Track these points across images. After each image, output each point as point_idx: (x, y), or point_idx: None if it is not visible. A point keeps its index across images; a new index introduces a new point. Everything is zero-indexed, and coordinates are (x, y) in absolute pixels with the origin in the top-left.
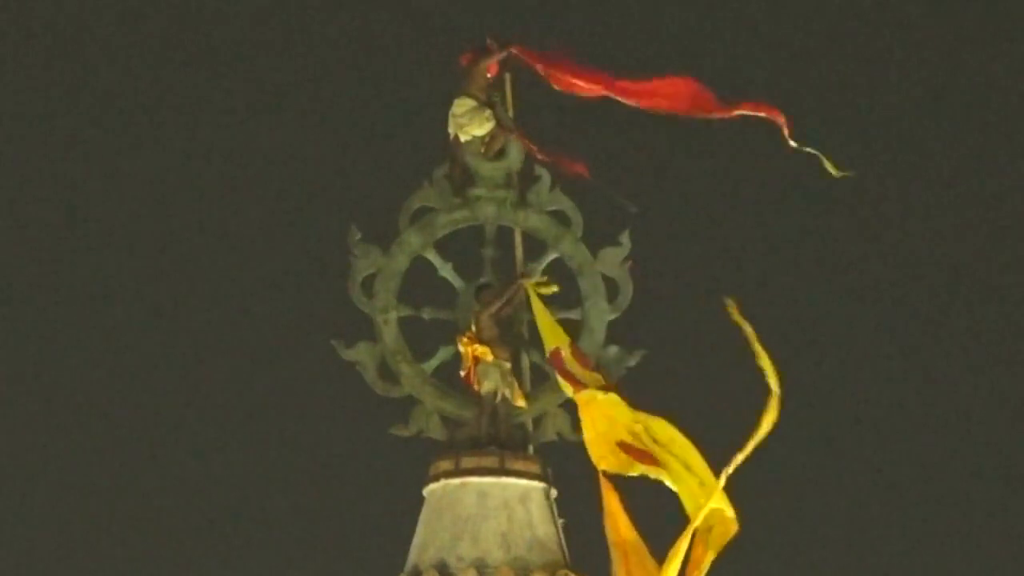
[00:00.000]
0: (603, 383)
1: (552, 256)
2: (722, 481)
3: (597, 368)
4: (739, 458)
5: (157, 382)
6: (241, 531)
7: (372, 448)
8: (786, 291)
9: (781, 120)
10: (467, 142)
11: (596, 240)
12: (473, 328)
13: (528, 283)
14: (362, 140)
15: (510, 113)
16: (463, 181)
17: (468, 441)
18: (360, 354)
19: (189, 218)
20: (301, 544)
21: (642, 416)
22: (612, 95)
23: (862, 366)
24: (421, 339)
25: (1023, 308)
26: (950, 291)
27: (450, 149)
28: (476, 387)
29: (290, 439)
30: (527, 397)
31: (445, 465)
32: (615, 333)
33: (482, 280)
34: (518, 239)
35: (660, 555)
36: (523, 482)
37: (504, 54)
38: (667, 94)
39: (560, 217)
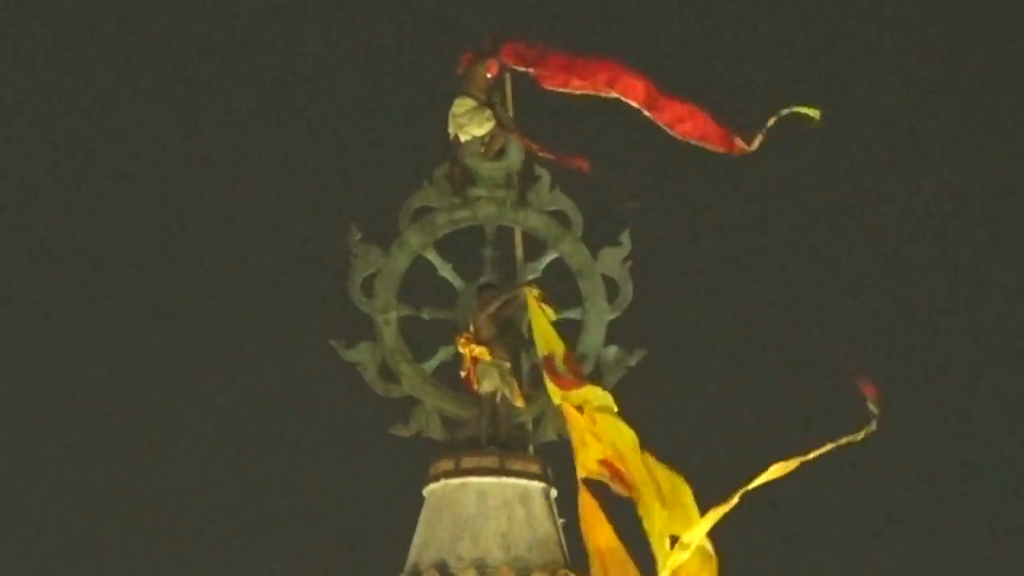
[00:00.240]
0: (599, 395)
1: (552, 256)
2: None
3: (593, 378)
4: (704, 526)
5: (157, 382)
6: (241, 531)
7: (372, 448)
8: (786, 291)
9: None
10: (467, 142)
11: (596, 240)
12: (471, 328)
13: (530, 292)
14: (362, 140)
15: (510, 113)
16: (463, 181)
17: (468, 441)
18: (360, 354)
19: (189, 218)
20: (301, 544)
21: (639, 454)
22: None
23: (862, 366)
24: (421, 339)
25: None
26: (951, 291)
27: (450, 149)
28: (476, 387)
29: (290, 439)
30: (527, 397)
31: (445, 465)
32: (615, 333)
33: (484, 280)
34: (518, 239)
35: (641, 563)
36: (523, 482)
37: (496, 57)
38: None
39: (560, 217)
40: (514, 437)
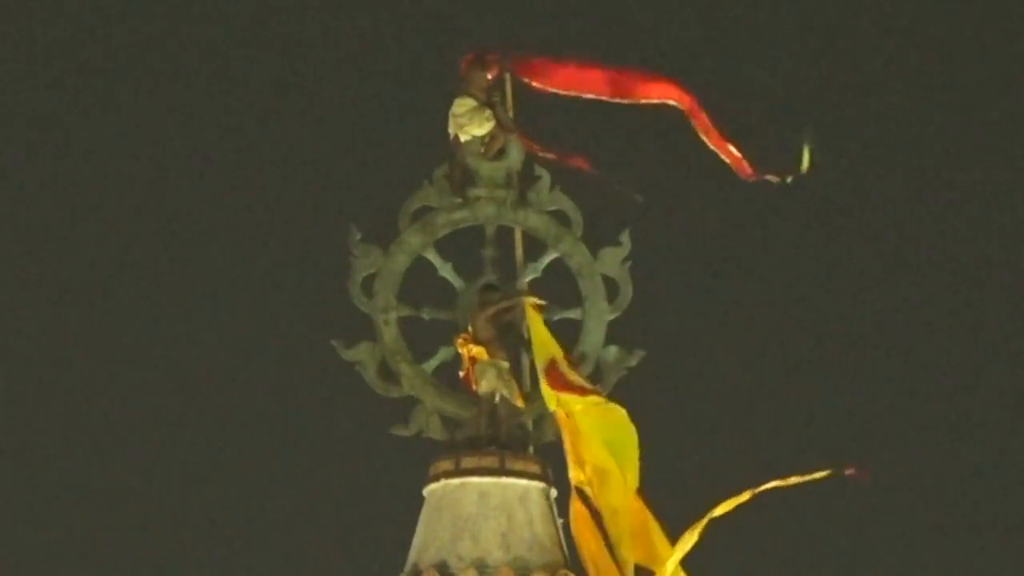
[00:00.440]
0: (600, 402)
1: (552, 256)
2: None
3: (594, 385)
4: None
5: (157, 382)
6: (241, 531)
7: (372, 448)
8: (786, 291)
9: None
10: (467, 142)
11: (596, 240)
12: (470, 328)
13: (529, 301)
14: (362, 140)
15: (510, 113)
16: (463, 181)
17: (468, 441)
18: (360, 354)
19: (189, 218)
20: (301, 544)
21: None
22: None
23: (862, 365)
24: (421, 339)
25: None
26: (951, 290)
27: (450, 149)
28: (474, 387)
29: (290, 439)
30: (526, 397)
31: (445, 465)
32: (615, 333)
33: (486, 280)
34: (518, 239)
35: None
36: (523, 482)
37: (501, 68)
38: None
39: (560, 217)
40: (514, 437)
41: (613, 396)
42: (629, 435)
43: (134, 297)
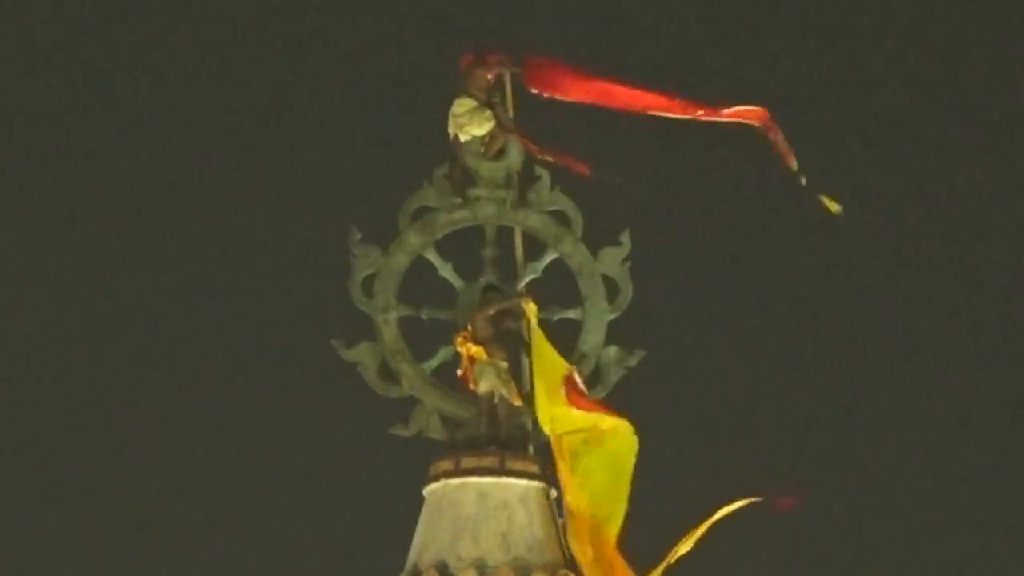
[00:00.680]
0: (612, 427)
1: (552, 256)
2: None
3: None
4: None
5: (157, 382)
6: (241, 531)
7: (372, 448)
8: (786, 291)
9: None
10: (467, 142)
11: (596, 240)
12: (469, 328)
13: (529, 308)
14: (362, 140)
15: (510, 113)
16: (463, 181)
17: (468, 441)
18: (360, 354)
19: (189, 218)
20: (301, 544)
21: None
22: (603, 103)
23: (862, 365)
24: (421, 339)
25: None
26: (951, 290)
27: (450, 149)
28: (473, 387)
29: (290, 439)
30: (525, 398)
31: (445, 465)
32: (615, 333)
33: (488, 280)
34: (518, 239)
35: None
36: (523, 482)
37: (504, 68)
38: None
39: (560, 217)
40: (514, 437)
41: (616, 401)
42: (625, 468)
43: (134, 297)
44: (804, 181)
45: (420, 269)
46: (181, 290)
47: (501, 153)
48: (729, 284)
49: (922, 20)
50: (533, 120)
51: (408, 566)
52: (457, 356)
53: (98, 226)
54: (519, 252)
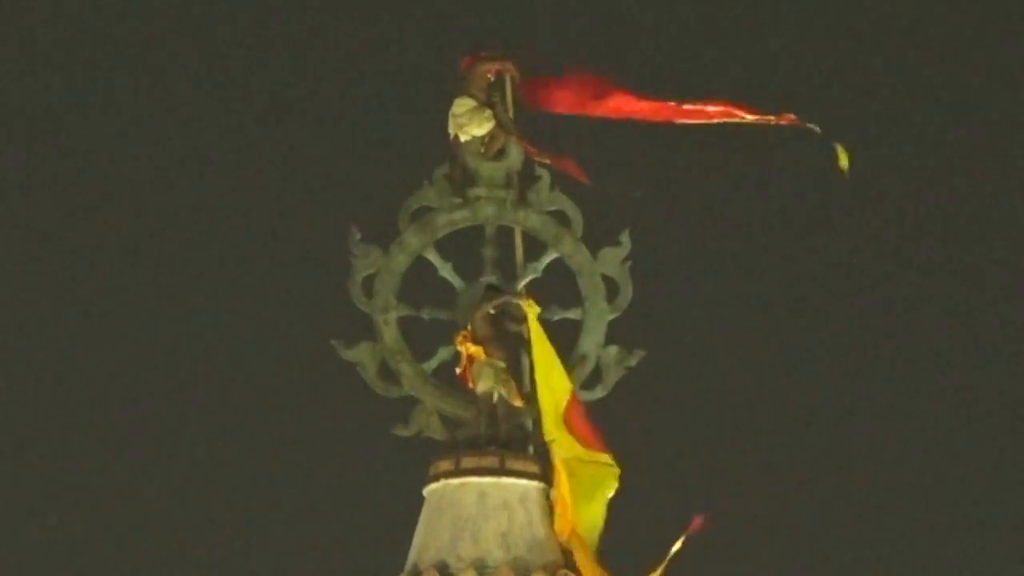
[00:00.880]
0: (603, 464)
1: (552, 256)
2: None
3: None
4: None
5: (157, 382)
6: (241, 531)
7: (372, 448)
8: (786, 291)
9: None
10: (467, 142)
11: (596, 240)
12: (468, 327)
13: (530, 309)
14: (362, 140)
15: (510, 113)
16: (463, 181)
17: (468, 441)
18: (360, 354)
19: (189, 218)
20: (301, 544)
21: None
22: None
23: (862, 365)
24: (421, 339)
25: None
26: (951, 290)
27: (450, 149)
28: (471, 386)
29: (290, 439)
30: (525, 397)
31: (445, 465)
32: (615, 333)
33: (489, 280)
34: (518, 239)
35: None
36: (523, 482)
37: (504, 66)
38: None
39: (560, 217)
40: (514, 437)
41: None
42: (601, 501)
43: (134, 297)
44: (818, 129)
45: (420, 269)
46: (181, 290)
47: (501, 153)
48: (729, 284)
49: (922, 20)
50: (533, 121)
51: (408, 566)
52: (457, 356)
53: (98, 226)
54: (519, 252)
